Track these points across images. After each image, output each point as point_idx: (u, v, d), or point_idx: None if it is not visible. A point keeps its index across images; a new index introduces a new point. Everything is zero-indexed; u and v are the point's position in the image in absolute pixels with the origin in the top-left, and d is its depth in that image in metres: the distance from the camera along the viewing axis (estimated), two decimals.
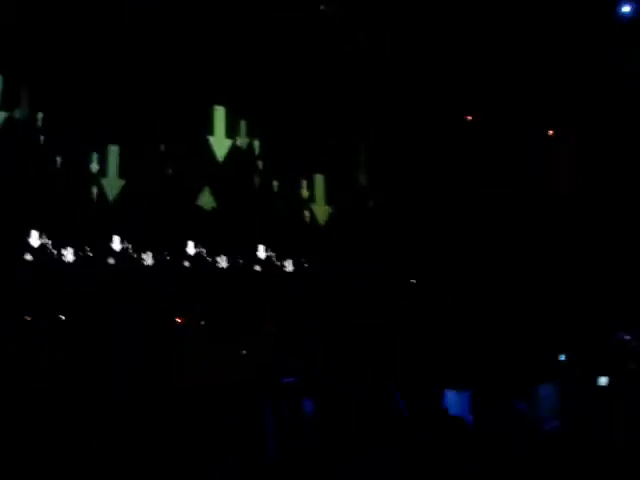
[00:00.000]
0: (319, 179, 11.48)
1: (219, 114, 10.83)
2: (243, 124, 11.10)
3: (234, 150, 10.93)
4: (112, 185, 10.11)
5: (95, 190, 10.06)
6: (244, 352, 9.90)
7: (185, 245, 10.60)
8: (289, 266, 11.13)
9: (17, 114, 9.70)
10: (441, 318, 10.64)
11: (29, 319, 9.11)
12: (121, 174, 10.18)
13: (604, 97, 9.94)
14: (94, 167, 10.10)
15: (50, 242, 9.64)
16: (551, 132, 10.46)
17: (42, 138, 9.84)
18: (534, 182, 10.60)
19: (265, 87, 10.68)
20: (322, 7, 10.47)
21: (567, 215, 10.39)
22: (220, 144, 10.80)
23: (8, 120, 9.62)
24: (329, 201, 11.49)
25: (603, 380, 7.85)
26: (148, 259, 10.22)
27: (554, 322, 9.57)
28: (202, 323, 10.16)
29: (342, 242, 11.28)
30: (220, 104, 10.81)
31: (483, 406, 8.02)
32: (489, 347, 9.62)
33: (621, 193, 10.06)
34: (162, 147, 10.44)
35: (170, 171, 10.50)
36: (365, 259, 11.20)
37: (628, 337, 8.15)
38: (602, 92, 9.89)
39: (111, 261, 10.00)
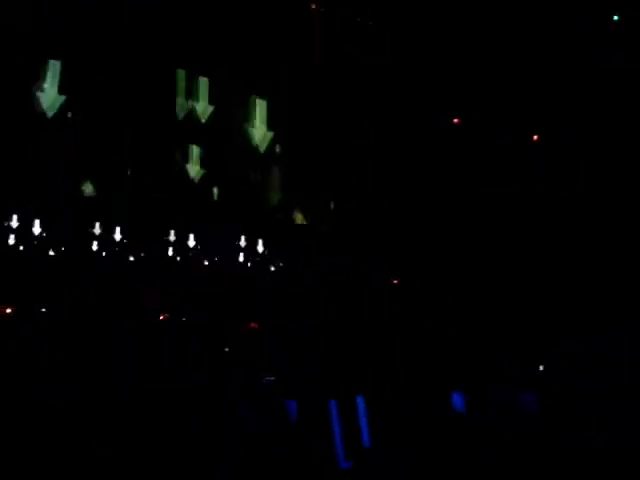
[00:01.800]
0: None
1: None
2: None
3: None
4: None
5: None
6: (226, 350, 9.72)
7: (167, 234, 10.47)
8: (277, 261, 11.08)
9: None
10: (441, 318, 10.63)
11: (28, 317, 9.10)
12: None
13: (604, 97, 9.94)
14: None
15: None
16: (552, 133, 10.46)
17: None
18: (534, 182, 10.60)
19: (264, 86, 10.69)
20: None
21: (567, 216, 10.39)
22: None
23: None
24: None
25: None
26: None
27: (553, 321, 9.58)
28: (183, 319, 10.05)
29: (339, 240, 11.28)
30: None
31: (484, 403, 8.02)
32: (489, 347, 9.62)
33: (621, 194, 10.06)
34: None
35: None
36: (363, 258, 11.20)
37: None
38: (602, 92, 9.89)
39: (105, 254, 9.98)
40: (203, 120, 10.65)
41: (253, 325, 10.12)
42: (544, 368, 8.57)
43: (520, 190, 10.59)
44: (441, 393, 8.54)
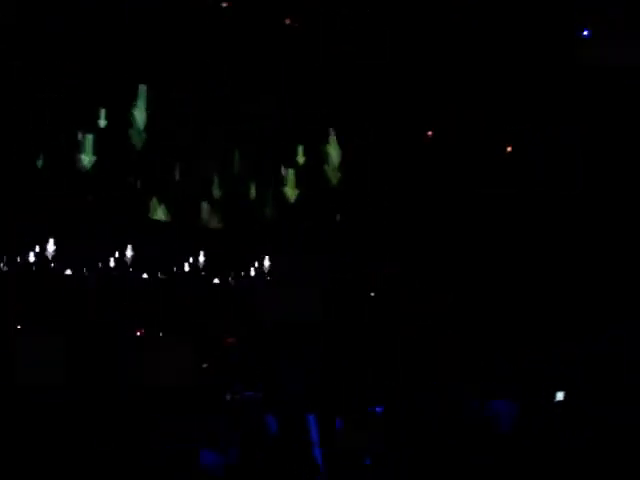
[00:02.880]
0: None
1: None
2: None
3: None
4: None
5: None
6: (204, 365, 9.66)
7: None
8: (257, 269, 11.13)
9: None
10: (441, 318, 10.63)
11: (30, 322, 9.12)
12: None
13: (605, 96, 9.94)
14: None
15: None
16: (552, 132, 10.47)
17: None
18: (534, 182, 10.60)
19: (264, 86, 10.70)
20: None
21: (567, 216, 10.39)
22: None
23: None
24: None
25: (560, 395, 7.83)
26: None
27: (553, 321, 9.58)
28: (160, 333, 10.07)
29: (337, 240, 11.30)
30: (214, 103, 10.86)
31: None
32: (488, 347, 9.62)
33: (621, 194, 10.06)
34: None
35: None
36: (362, 258, 11.20)
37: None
38: (602, 91, 9.89)
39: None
40: None
41: (231, 340, 10.12)
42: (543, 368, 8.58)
43: (520, 190, 10.59)
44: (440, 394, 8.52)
